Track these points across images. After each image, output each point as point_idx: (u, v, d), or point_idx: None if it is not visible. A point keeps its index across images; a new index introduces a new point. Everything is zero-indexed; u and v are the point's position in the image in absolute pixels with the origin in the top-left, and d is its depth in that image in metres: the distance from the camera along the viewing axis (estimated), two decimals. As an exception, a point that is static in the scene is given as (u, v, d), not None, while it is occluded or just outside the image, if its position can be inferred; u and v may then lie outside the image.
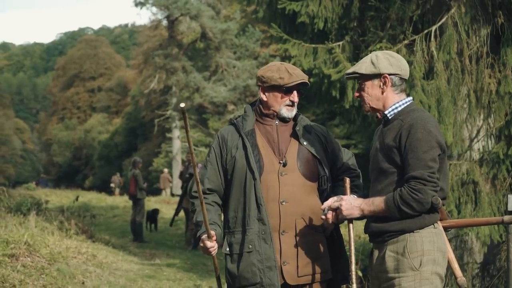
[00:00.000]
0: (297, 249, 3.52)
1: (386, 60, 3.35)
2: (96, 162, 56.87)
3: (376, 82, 3.36)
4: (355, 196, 3.41)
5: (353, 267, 3.30)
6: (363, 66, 3.37)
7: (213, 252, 3.53)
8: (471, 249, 7.68)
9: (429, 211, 3.21)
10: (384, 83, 3.35)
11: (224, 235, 3.66)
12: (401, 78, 3.37)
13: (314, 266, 3.54)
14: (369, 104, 3.41)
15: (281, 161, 3.60)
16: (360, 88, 3.42)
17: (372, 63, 3.35)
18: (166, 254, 12.79)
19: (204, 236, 3.50)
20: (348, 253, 3.41)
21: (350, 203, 3.30)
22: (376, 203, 3.23)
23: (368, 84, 3.38)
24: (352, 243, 3.33)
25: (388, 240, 3.26)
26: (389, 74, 3.34)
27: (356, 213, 3.28)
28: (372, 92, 3.38)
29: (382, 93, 3.36)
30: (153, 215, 16.71)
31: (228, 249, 3.61)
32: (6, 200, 11.46)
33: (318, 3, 8.09)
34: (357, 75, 3.40)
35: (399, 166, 3.23)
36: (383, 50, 6.19)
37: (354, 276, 3.28)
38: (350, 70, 3.43)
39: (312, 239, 3.56)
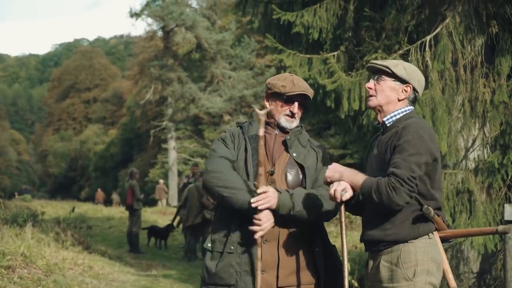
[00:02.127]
0: (279, 259, 3.50)
1: (415, 74, 3.41)
2: (92, 173, 56.81)
3: (397, 86, 3.40)
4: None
5: (345, 273, 3.28)
6: (397, 66, 3.39)
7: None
8: (467, 259, 7.67)
9: (423, 221, 3.23)
10: (405, 91, 3.40)
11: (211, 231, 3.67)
12: (415, 96, 3.45)
13: (296, 277, 3.51)
14: (378, 101, 3.43)
15: (269, 170, 3.61)
16: (377, 83, 3.44)
17: (405, 69, 3.39)
18: (163, 265, 12.76)
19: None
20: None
21: (335, 168, 3.34)
22: (357, 177, 3.26)
23: (390, 84, 3.40)
24: (345, 248, 3.31)
25: (383, 250, 3.27)
26: (413, 88, 3.41)
27: (336, 176, 3.31)
28: (388, 93, 3.40)
29: (397, 99, 3.40)
30: (166, 232, 15.95)
31: (210, 245, 3.61)
32: (2, 211, 11.47)
33: (313, 14, 8.12)
34: (386, 69, 3.40)
35: None
36: (378, 60, 6.22)
37: (347, 282, 3.27)
38: (382, 63, 3.44)
39: (295, 249, 3.53)
